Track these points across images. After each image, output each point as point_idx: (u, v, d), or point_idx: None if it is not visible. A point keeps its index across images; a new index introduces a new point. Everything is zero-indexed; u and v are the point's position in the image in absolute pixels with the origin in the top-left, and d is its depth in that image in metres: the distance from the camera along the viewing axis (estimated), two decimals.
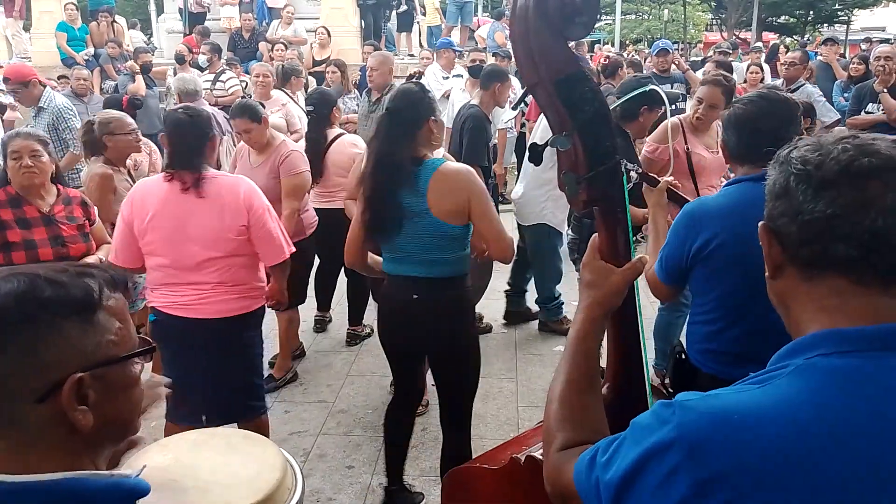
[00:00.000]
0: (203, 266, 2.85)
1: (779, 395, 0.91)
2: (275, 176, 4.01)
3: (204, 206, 2.83)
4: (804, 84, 6.81)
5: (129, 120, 4.02)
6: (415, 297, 2.73)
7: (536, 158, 1.35)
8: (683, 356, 2.35)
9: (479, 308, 4.58)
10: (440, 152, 2.93)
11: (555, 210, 4.66)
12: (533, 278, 5.15)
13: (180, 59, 9.20)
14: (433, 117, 2.73)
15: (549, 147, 1.30)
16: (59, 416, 0.92)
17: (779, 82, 7.22)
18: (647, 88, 3.24)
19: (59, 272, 0.96)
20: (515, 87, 7.69)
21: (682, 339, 2.45)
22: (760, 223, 1.03)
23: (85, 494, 0.92)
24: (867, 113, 6.25)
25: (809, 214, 0.95)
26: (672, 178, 2.90)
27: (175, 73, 9.03)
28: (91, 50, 10.84)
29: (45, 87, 5.38)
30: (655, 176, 2.74)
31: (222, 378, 2.93)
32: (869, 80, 6.47)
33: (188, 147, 2.87)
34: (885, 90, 6.05)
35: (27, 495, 0.88)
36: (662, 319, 4.18)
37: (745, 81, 8.72)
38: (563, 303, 5.11)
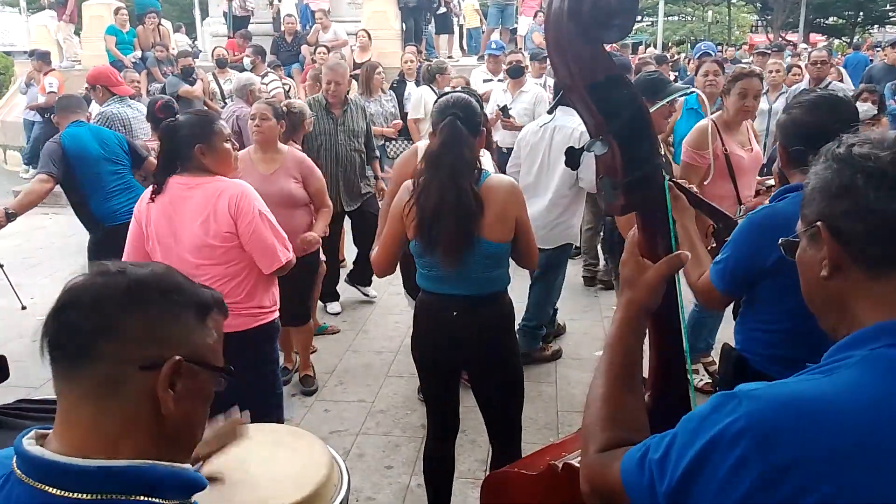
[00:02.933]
0: (194, 274, 2.70)
1: (848, 384, 0.90)
2: (296, 181, 4.00)
3: (192, 212, 2.77)
4: (831, 83, 6.71)
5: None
6: (455, 314, 2.66)
7: (574, 162, 1.30)
8: (742, 361, 2.29)
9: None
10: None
11: (575, 224, 4.48)
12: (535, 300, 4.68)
13: (221, 63, 9.36)
14: (484, 129, 2.67)
15: (585, 152, 1.27)
16: (150, 393, 0.99)
17: (805, 82, 7.10)
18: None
19: (186, 278, 1.09)
20: (551, 88, 7.69)
21: (719, 340, 2.38)
22: (818, 223, 1.01)
23: (151, 481, 0.97)
24: None
25: (883, 213, 0.94)
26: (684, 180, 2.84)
27: (215, 77, 9.19)
28: (138, 53, 11.09)
29: (112, 95, 5.38)
30: (681, 181, 2.69)
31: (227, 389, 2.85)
32: None
33: (171, 152, 2.85)
34: None
35: (99, 478, 0.94)
36: (692, 318, 4.10)
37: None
38: (543, 332, 4.76)
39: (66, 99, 4.90)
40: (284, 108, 4.52)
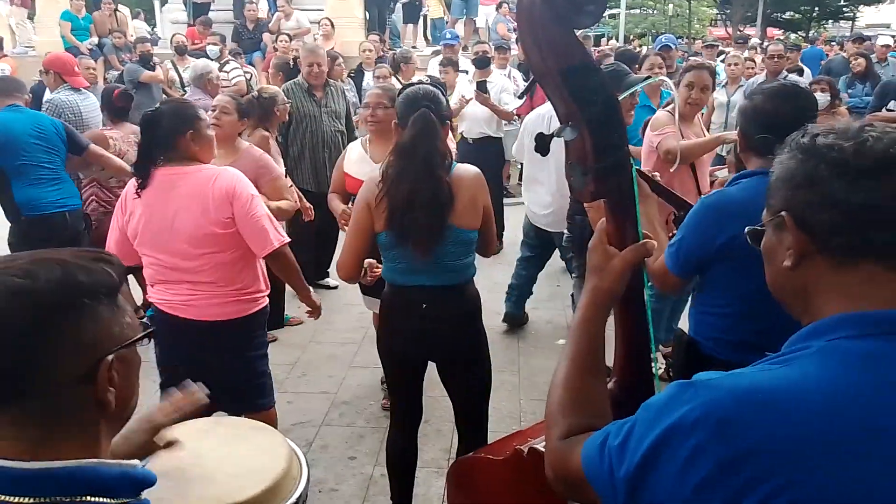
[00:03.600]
0: (194, 263, 2.76)
1: (805, 375, 0.90)
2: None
3: (187, 201, 2.73)
4: (788, 76, 6.85)
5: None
6: (424, 306, 2.64)
7: (544, 148, 1.31)
8: (693, 345, 2.33)
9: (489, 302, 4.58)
10: None
11: None
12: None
13: (181, 50, 9.17)
14: (449, 120, 2.69)
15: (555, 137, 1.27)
16: (88, 397, 0.95)
17: (763, 75, 7.23)
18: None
19: (81, 257, 0.99)
20: (518, 79, 7.70)
21: (677, 326, 2.42)
22: (783, 213, 1.01)
23: (98, 482, 0.94)
24: (888, 111, 6.29)
25: (847, 204, 0.94)
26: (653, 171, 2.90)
27: (174, 65, 9.01)
28: (95, 39, 10.83)
29: (65, 83, 5.18)
30: (648, 171, 2.73)
31: (217, 377, 2.74)
32: (894, 78, 6.51)
33: (153, 142, 2.78)
34: None
35: (40, 482, 0.91)
36: (652, 306, 4.16)
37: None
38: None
39: (1, 82, 4.72)
40: (256, 93, 4.44)
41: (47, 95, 5.50)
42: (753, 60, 8.97)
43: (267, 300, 3.01)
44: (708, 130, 4.32)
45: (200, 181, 2.75)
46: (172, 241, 2.75)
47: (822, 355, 0.92)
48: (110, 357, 0.96)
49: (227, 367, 2.85)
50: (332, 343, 4.88)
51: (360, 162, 3.73)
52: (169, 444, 1.59)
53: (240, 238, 2.80)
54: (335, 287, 5.77)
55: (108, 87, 5.33)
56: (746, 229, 1.12)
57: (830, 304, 0.97)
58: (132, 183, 2.82)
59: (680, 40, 16.54)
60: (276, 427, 2.98)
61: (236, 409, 2.87)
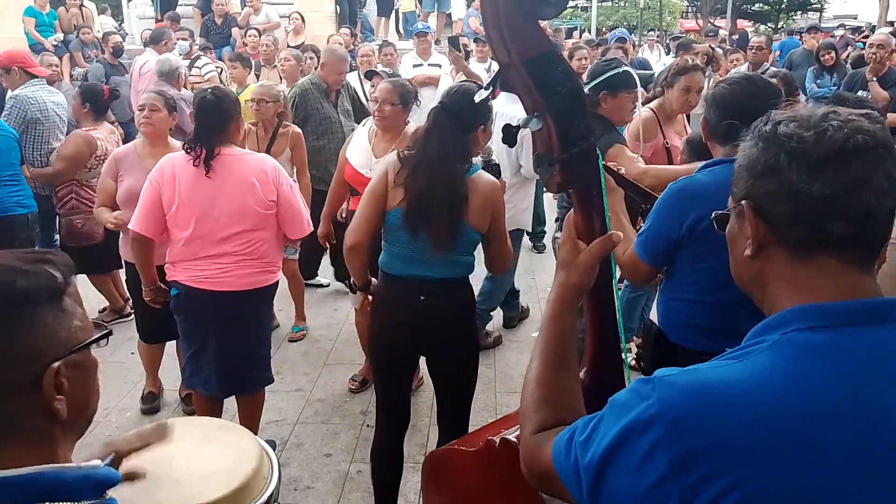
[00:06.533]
0: (230, 239, 3.01)
1: (758, 369, 0.90)
2: None
3: (233, 182, 3.00)
4: (769, 68, 6.93)
5: (279, 89, 4.85)
6: (422, 298, 2.64)
7: (511, 140, 1.32)
8: (661, 335, 2.35)
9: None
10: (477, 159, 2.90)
11: (525, 209, 4.44)
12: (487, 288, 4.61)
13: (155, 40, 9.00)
14: (484, 126, 2.69)
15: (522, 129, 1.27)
16: (37, 406, 0.92)
17: (744, 67, 7.32)
18: (620, 70, 3.24)
19: (21, 260, 0.96)
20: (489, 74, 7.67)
21: (651, 318, 2.43)
22: (743, 202, 1.01)
23: (59, 487, 0.91)
24: None
25: (806, 194, 0.93)
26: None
27: None
28: (60, 35, 10.60)
29: (33, 78, 5.00)
30: (613, 165, 2.76)
31: (235, 348, 3.11)
32: (861, 68, 6.62)
33: (211, 125, 3.03)
34: (875, 79, 6.18)
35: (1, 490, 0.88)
36: (624, 297, 4.24)
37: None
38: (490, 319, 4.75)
39: None
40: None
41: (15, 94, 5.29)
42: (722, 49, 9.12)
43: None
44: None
45: (250, 165, 3.06)
46: (213, 216, 2.99)
47: (776, 349, 0.92)
48: (56, 364, 0.92)
49: (245, 334, 3.14)
50: (307, 340, 4.85)
51: (363, 153, 3.76)
52: (131, 476, 1.51)
53: (274, 219, 3.11)
54: (327, 285, 5.73)
55: (93, 84, 5.22)
56: (714, 214, 1.12)
57: (786, 295, 0.97)
58: (172, 156, 3.06)
59: (651, 32, 16.78)
60: (262, 406, 3.36)
61: (241, 386, 3.27)
